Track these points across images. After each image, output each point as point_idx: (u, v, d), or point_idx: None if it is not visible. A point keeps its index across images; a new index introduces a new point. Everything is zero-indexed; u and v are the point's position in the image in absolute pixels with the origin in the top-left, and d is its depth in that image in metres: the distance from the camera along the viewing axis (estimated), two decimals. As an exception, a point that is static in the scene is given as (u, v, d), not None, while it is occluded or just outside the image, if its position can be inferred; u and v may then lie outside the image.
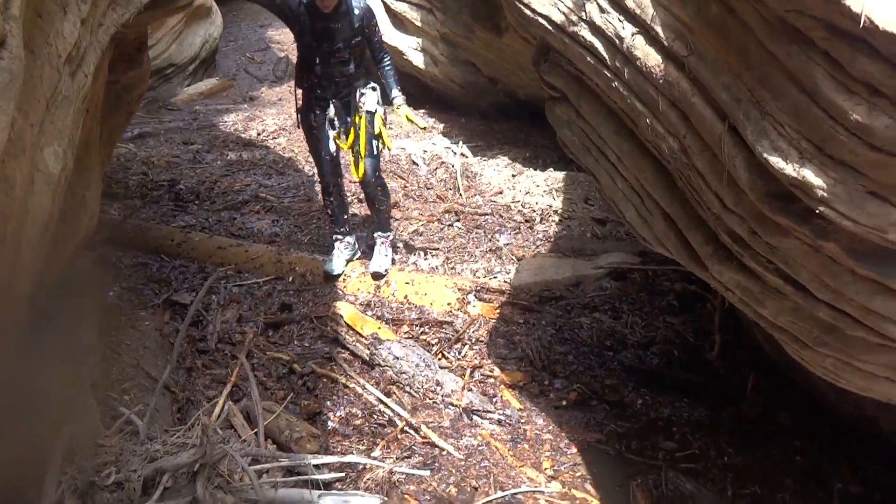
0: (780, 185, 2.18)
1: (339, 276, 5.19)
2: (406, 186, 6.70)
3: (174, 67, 9.54)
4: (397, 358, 4.41)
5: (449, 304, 5.02)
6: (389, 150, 5.55)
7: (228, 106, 9.30)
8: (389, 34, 8.11)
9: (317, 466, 3.47)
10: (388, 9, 8.19)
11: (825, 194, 2.03)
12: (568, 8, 3.07)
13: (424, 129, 5.35)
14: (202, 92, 9.76)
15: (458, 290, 5.12)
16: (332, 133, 4.94)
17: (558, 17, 3.13)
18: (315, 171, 5.61)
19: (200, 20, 9.89)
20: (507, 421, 4.17)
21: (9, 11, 1.75)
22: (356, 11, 4.69)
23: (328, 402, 4.19)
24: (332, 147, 5.00)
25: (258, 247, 5.55)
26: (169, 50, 9.31)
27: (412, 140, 7.69)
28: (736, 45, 2.28)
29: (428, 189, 6.70)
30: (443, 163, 7.11)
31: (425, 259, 5.49)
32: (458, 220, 6.13)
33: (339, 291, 5.09)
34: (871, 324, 2.28)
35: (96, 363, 3.73)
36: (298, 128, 5.23)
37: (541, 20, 3.22)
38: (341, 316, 4.73)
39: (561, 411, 4.25)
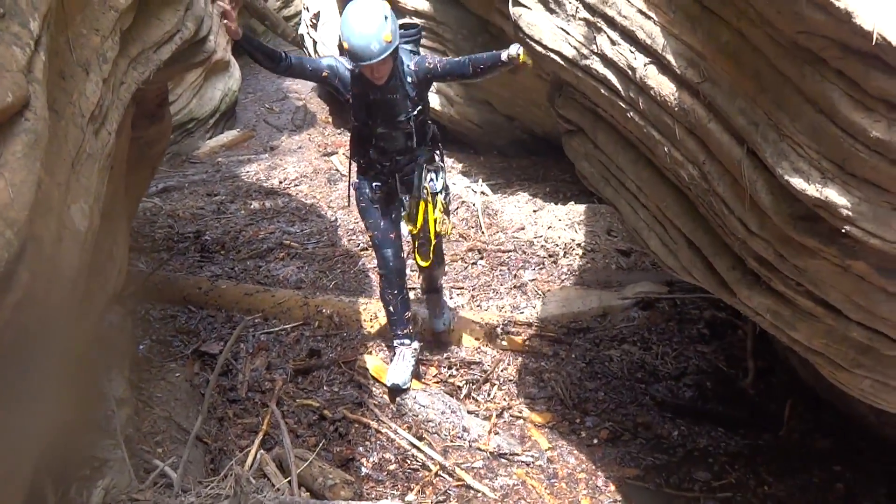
0: (803, 207, 2.16)
1: (407, 389, 4.47)
2: (428, 227, 6.72)
3: (195, 121, 9.71)
4: (423, 406, 4.40)
5: (477, 339, 4.99)
6: (449, 236, 4.92)
7: (250, 156, 9.43)
8: (405, 78, 8.19)
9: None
10: (402, 53, 8.30)
11: (850, 213, 2.01)
12: (579, 42, 3.10)
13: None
14: (224, 144, 9.91)
15: (486, 324, 5.10)
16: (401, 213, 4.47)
17: (570, 52, 3.16)
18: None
19: (219, 74, 10.09)
20: (537, 462, 4.11)
21: (32, 74, 1.80)
22: (409, 79, 4.04)
23: (360, 448, 4.17)
24: (404, 229, 4.50)
25: (284, 291, 5.58)
26: (190, 104, 9.49)
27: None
28: (749, 69, 2.28)
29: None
30: (463, 202, 7.13)
31: (451, 298, 5.48)
32: (481, 258, 6.13)
33: (367, 333, 5.09)
34: (907, 342, 2.25)
35: (128, 416, 3.74)
36: (348, 206, 4.76)
37: (553, 55, 3.25)
38: (366, 369, 4.72)
39: (594, 449, 4.19)
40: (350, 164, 4.45)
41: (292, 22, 14.21)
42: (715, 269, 2.86)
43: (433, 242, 4.45)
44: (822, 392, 4.08)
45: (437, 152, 4.43)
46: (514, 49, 3.81)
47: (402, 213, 4.45)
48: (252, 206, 7.57)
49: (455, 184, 7.52)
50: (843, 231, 2.05)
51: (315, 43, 10.03)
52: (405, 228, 4.51)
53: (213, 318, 5.35)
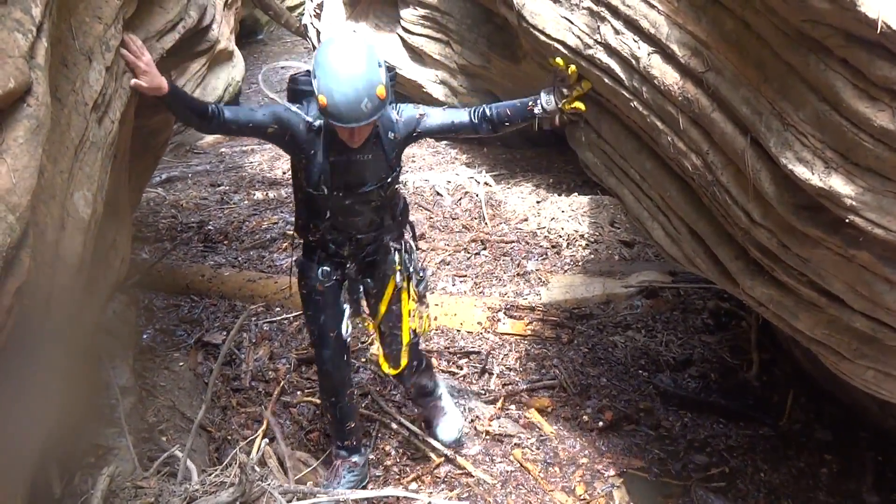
0: (807, 197, 2.16)
1: None
2: (431, 217, 6.73)
3: (199, 111, 9.69)
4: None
5: (479, 322, 5.00)
6: (427, 332, 3.86)
7: (253, 147, 9.43)
8: (408, 68, 8.18)
9: (356, 502, 3.44)
10: (405, 43, 8.29)
11: (854, 203, 2.01)
12: (582, 31, 3.08)
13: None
14: (227, 134, 9.89)
15: (488, 308, 5.11)
16: (347, 309, 3.45)
17: (573, 42, 3.14)
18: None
19: (222, 64, 10.06)
20: (539, 447, 4.11)
21: (34, 60, 1.80)
22: (389, 135, 3.14)
23: (365, 441, 4.15)
24: (346, 329, 3.45)
25: (287, 278, 5.60)
26: (193, 94, 9.47)
27: (435, 171, 7.74)
28: (753, 58, 2.27)
29: (453, 219, 6.72)
30: (467, 192, 7.13)
31: (454, 285, 5.49)
32: (484, 249, 6.13)
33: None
34: (911, 332, 2.24)
35: (133, 405, 3.76)
36: (293, 290, 3.63)
37: (556, 45, 3.23)
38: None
39: (594, 436, 4.19)
40: (293, 237, 3.61)
41: (296, 12, 14.18)
42: (718, 259, 2.85)
43: (405, 342, 3.55)
44: (825, 383, 4.08)
45: (407, 228, 3.57)
46: (546, 97, 3.12)
47: (350, 310, 3.48)
48: (255, 197, 7.58)
49: (458, 174, 7.51)
50: (847, 221, 2.05)
51: (319, 33, 10.00)
52: (346, 329, 3.47)
53: (215, 307, 5.37)
